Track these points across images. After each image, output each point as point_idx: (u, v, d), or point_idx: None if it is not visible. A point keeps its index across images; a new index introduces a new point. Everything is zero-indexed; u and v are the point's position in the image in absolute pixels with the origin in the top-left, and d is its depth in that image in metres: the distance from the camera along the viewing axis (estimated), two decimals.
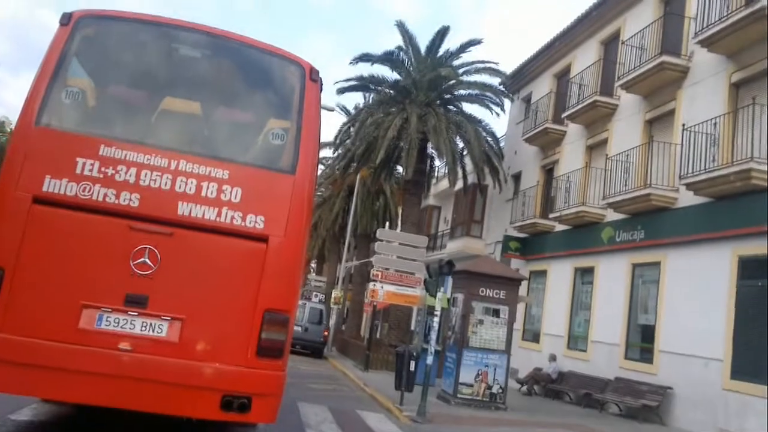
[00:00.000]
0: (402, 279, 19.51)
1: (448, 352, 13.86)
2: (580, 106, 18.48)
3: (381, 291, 19.17)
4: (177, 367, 5.19)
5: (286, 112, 6.17)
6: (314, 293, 40.24)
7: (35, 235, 5.17)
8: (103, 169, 5.33)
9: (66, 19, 5.68)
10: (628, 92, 16.62)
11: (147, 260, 5.29)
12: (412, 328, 17.35)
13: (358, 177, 28.83)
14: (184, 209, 5.43)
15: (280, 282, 5.59)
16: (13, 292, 5.06)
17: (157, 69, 6.08)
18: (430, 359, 11.52)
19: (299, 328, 23.53)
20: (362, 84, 24.05)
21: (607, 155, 16.93)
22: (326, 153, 34.61)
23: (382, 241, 19.68)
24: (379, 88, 24.22)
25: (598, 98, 17.75)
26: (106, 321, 5.17)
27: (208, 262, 5.44)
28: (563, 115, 19.62)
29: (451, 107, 23.96)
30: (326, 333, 24.14)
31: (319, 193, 42.74)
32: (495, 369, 13.27)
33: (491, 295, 13.31)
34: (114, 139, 5.45)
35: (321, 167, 35.30)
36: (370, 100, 27.75)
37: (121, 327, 5.19)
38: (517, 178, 24.18)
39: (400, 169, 32.10)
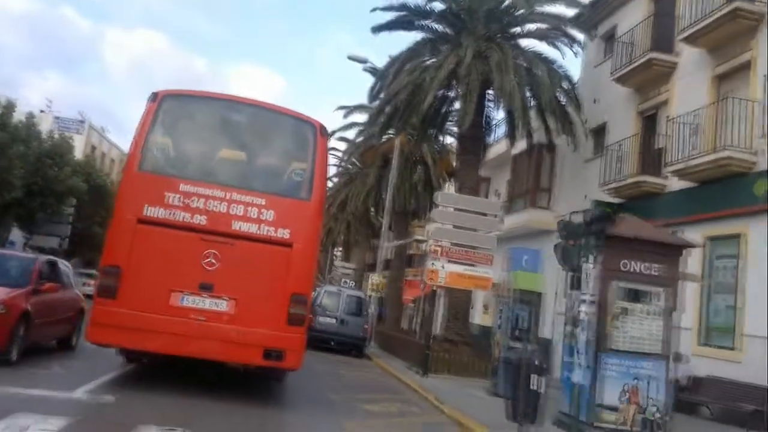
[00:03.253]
0: (469, 256, 15.07)
1: (567, 357, 9.35)
2: (707, 22, 13.76)
3: (442, 272, 14.76)
4: (234, 331, 7.76)
5: (303, 157, 8.69)
6: (343, 280, 35.97)
7: (139, 245, 7.75)
8: (182, 199, 7.94)
9: (153, 97, 8.33)
10: None
11: (212, 260, 7.84)
12: (498, 322, 12.83)
13: (397, 142, 24.31)
14: (236, 225, 7.99)
15: (301, 274, 8.13)
16: (126, 281, 7.62)
17: (216, 129, 8.92)
18: (578, 375, 7.02)
19: (334, 320, 19.23)
20: (403, 18, 19.30)
21: (766, 76, 12.22)
22: (356, 118, 30.07)
23: (441, 207, 15.22)
24: (425, 22, 19.48)
25: (740, 4, 13.02)
26: (186, 300, 7.77)
27: (253, 261, 7.98)
28: (679, 37, 14.91)
29: (515, 45, 19.26)
30: (367, 326, 19.69)
31: (345, 169, 38.44)
32: (649, 382, 8.72)
33: (640, 270, 8.69)
34: (189, 179, 8.10)
35: (352, 133, 30.71)
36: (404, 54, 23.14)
37: (196, 304, 7.76)
38: (598, 132, 19.49)
39: (440, 138, 27.85)
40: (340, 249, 54.58)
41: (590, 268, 7.10)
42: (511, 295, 12.47)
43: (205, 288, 7.71)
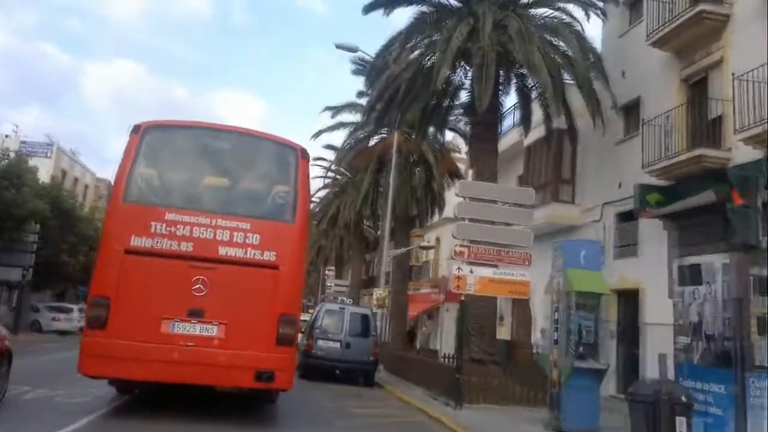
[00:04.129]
0: (501, 257, 12.37)
1: (692, 379, 6.65)
2: None
3: (470, 277, 12.06)
4: (224, 354, 7.83)
5: (286, 180, 8.84)
6: (340, 298, 33.08)
7: (128, 274, 7.80)
8: (168, 228, 8.01)
9: (136, 129, 8.45)
10: None
11: (201, 286, 7.94)
12: (553, 336, 10.10)
13: (395, 137, 21.68)
14: (222, 251, 8.11)
15: (288, 295, 8.29)
16: (116, 311, 7.64)
17: (199, 158, 9.05)
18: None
19: (337, 345, 16.38)
20: None
21: None
22: (347, 117, 27.37)
23: (464, 199, 12.54)
24: None
25: None
26: (177, 327, 7.83)
27: (240, 285, 8.09)
28: None
29: (530, 15, 16.76)
30: (377, 350, 16.81)
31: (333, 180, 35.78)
32: None
33: None
34: (174, 207, 8.20)
35: (340, 138, 27.87)
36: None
37: (187, 330, 7.84)
38: (629, 109, 17.03)
39: (440, 135, 25.39)
40: (332, 268, 51.74)
41: None
42: (568, 301, 9.78)
43: (195, 314, 7.88)
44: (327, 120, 27.69)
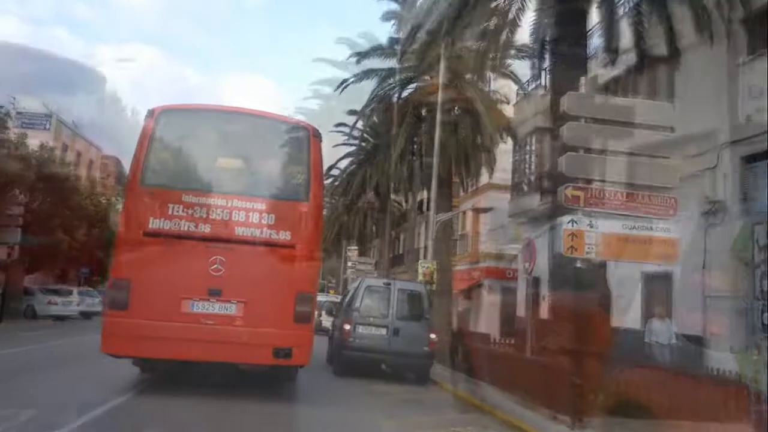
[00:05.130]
0: (636, 203, 8.48)
1: None
2: None
3: (591, 235, 8.23)
4: (243, 332, 8.15)
5: (299, 160, 9.05)
6: (368, 276, 29.36)
7: (147, 257, 8.16)
8: (185, 210, 8.27)
9: (150, 113, 8.66)
10: None
11: (219, 266, 8.19)
12: (764, 323, 6.18)
13: (440, 73, 17.77)
14: (239, 231, 8.37)
15: (305, 274, 8.63)
16: (137, 292, 7.95)
17: (212, 140, 9.27)
18: None
19: (382, 332, 12.65)
20: None
21: None
22: (376, 63, 23.23)
23: (579, 120, 8.66)
24: None
25: None
26: (197, 306, 8.16)
27: (257, 264, 8.47)
28: None
29: None
30: (434, 337, 12.95)
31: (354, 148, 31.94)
32: None
33: None
34: (190, 190, 8.45)
35: (372, 83, 23.59)
36: None
37: (206, 309, 8.16)
38: (752, 21, 12.95)
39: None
40: (353, 247, 48.17)
41: None
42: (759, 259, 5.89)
43: (214, 293, 8.16)
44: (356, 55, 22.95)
